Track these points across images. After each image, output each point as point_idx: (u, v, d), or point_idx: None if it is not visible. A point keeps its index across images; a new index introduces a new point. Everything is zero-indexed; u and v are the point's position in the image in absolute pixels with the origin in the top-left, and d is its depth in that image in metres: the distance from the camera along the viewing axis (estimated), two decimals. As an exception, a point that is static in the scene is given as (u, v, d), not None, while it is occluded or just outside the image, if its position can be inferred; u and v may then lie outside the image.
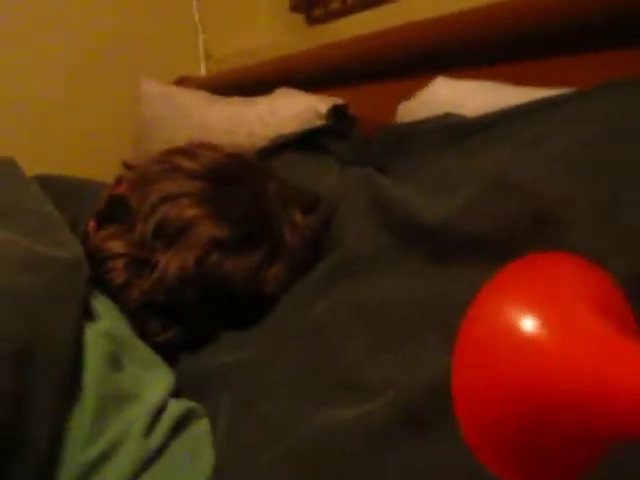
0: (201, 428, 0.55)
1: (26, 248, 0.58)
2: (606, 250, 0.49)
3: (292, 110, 1.12)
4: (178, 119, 1.37)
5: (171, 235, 0.64)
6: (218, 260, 0.64)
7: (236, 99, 1.32)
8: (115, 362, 0.55)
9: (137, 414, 0.52)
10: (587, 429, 0.20)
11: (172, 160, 0.70)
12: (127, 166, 0.76)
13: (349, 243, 0.72)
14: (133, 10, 1.68)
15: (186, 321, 0.66)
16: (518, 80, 0.86)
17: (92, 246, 0.66)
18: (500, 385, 0.21)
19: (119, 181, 0.72)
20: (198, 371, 0.62)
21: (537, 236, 0.55)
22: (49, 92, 1.58)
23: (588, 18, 0.82)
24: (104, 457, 0.49)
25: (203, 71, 1.79)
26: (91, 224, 0.71)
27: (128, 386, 0.54)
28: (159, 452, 0.51)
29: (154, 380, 0.57)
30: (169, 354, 0.63)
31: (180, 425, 0.54)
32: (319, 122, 1.07)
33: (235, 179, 0.70)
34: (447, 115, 0.84)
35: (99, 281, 0.64)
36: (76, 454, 0.49)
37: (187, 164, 0.69)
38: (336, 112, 1.07)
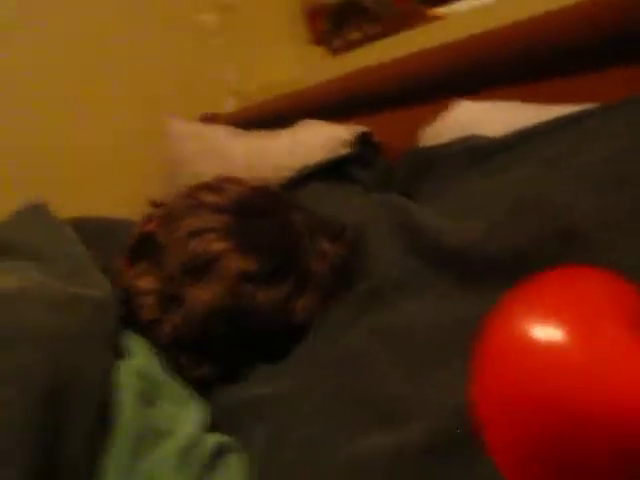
0: (235, 461, 0.55)
1: (60, 289, 0.59)
2: (636, 265, 0.48)
3: (317, 140, 1.14)
4: (205, 156, 1.39)
5: (199, 269, 0.65)
6: (247, 292, 0.65)
7: (260, 133, 1.34)
8: (148, 400, 0.55)
9: (171, 449, 0.52)
10: (618, 445, 0.20)
11: (198, 195, 0.71)
12: (155, 204, 0.77)
13: (377, 269, 0.72)
14: (157, 47, 1.71)
15: (217, 356, 0.66)
16: (532, 99, 0.86)
17: (123, 284, 0.67)
18: (529, 402, 0.21)
19: (148, 218, 0.74)
20: (230, 404, 0.63)
21: (562, 254, 0.55)
22: (73, 131, 1.61)
23: (602, 35, 0.82)
24: None
25: (228, 107, 1.82)
26: (122, 262, 0.72)
27: (162, 422, 0.55)
28: (194, 487, 0.51)
29: (187, 416, 0.57)
30: (202, 389, 0.64)
31: (214, 459, 0.54)
32: (344, 151, 1.08)
33: (260, 211, 0.70)
34: (470, 137, 0.84)
35: (131, 319, 0.65)
36: None
37: (212, 199, 0.70)
38: (361, 140, 1.08)
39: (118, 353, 0.57)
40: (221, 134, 1.44)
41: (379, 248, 0.74)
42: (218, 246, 0.66)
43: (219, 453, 0.55)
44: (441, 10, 1.38)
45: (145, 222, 0.74)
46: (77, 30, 1.61)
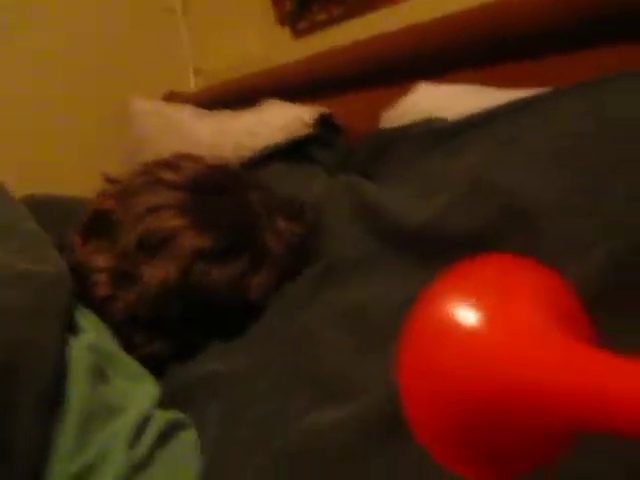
0: (188, 438, 0.55)
1: (10, 265, 0.58)
2: (585, 242, 0.49)
3: (278, 120, 1.13)
4: (167, 135, 1.38)
5: (154, 246, 0.65)
6: (202, 270, 0.65)
7: (223, 112, 1.33)
8: (100, 375, 0.55)
9: (123, 426, 0.52)
10: (532, 421, 0.20)
11: (154, 172, 0.71)
12: (110, 180, 0.76)
13: (335, 249, 0.72)
14: (120, 26, 1.69)
15: (171, 332, 0.66)
16: (498, 83, 0.87)
17: (77, 261, 0.67)
18: (442, 379, 0.21)
19: (103, 195, 0.73)
20: (184, 381, 0.63)
21: (517, 233, 0.56)
22: (36, 110, 1.58)
23: (565, 20, 0.83)
24: (90, 469, 0.49)
25: (192, 86, 1.80)
26: (76, 239, 0.71)
27: (114, 399, 0.54)
28: (145, 463, 0.51)
29: (140, 392, 0.57)
30: (156, 365, 0.63)
31: (166, 435, 0.54)
32: (305, 132, 1.08)
33: (217, 189, 0.70)
34: (430, 119, 0.85)
35: (84, 295, 0.64)
36: (62, 467, 0.49)
37: (169, 176, 0.69)
38: (322, 121, 1.08)
39: (71, 329, 0.57)
40: (183, 113, 1.42)
41: (338, 228, 0.75)
42: (173, 223, 0.65)
43: (171, 429, 0.55)
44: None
45: (99, 199, 0.73)
46: (41, 9, 1.58)
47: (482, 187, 0.61)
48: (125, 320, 0.64)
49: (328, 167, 0.96)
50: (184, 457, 0.53)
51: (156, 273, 0.63)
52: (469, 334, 0.21)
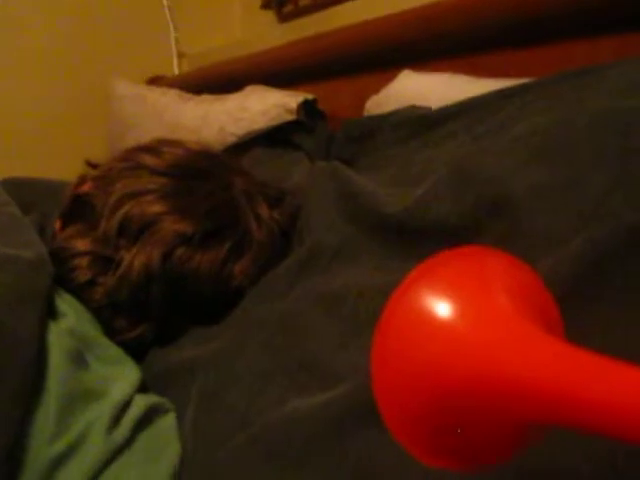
0: (167, 422, 0.56)
1: None
2: (566, 232, 0.50)
3: (262, 106, 1.13)
4: (150, 119, 1.37)
5: (135, 232, 0.64)
6: (183, 255, 0.65)
7: (207, 97, 1.32)
8: (79, 359, 0.55)
9: (102, 410, 0.52)
10: (501, 412, 0.21)
11: (135, 157, 0.70)
12: (90, 165, 0.76)
13: (316, 235, 0.72)
14: (103, 9, 1.67)
15: (153, 318, 0.66)
16: (483, 72, 0.87)
17: (57, 245, 0.66)
18: (413, 369, 0.21)
19: (82, 180, 0.72)
20: (165, 366, 0.63)
21: (497, 223, 0.56)
22: (18, 93, 1.56)
23: (549, 9, 0.83)
24: (68, 452, 0.49)
25: (176, 70, 1.79)
26: (56, 224, 0.71)
27: (93, 383, 0.54)
28: (124, 446, 0.51)
29: (120, 376, 0.57)
30: (136, 350, 0.64)
31: (145, 419, 0.54)
32: (289, 117, 1.07)
33: (199, 174, 0.70)
34: (412, 107, 0.85)
35: (64, 280, 0.64)
36: (41, 450, 0.49)
37: (150, 161, 0.69)
38: (306, 107, 1.08)
39: (51, 314, 0.56)
40: (166, 97, 1.41)
41: (320, 215, 0.75)
42: (155, 208, 0.65)
43: (151, 413, 0.55)
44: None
45: (79, 183, 0.72)
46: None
47: (463, 176, 0.61)
48: (105, 305, 0.64)
49: (311, 153, 0.96)
50: (164, 441, 0.54)
51: (137, 258, 0.63)
52: (442, 324, 0.21)
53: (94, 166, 0.75)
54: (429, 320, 0.22)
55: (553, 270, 0.44)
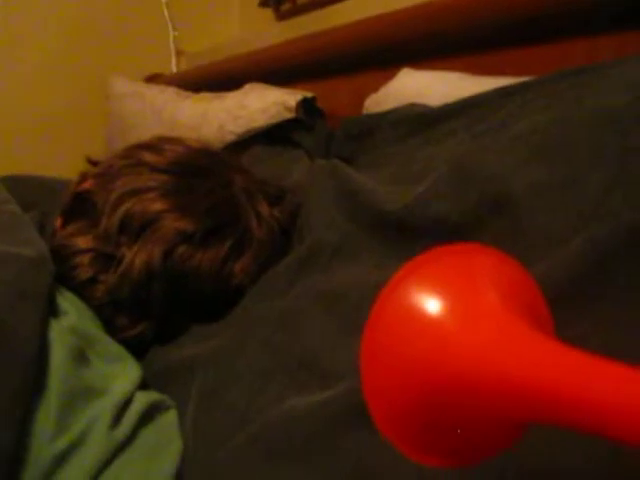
0: (169, 418, 0.56)
1: None
2: (566, 231, 0.50)
3: (261, 104, 1.13)
4: (149, 116, 1.37)
5: (136, 229, 0.64)
6: (184, 253, 0.65)
7: (206, 94, 1.32)
8: (81, 357, 0.55)
9: (104, 407, 0.52)
10: (489, 409, 0.21)
11: (136, 155, 0.70)
12: (91, 162, 0.76)
13: (316, 233, 0.72)
14: (102, 7, 1.66)
15: (154, 316, 0.66)
16: (483, 70, 0.87)
17: (58, 243, 0.66)
18: (401, 365, 0.21)
19: (83, 177, 0.72)
20: (165, 364, 0.63)
21: (498, 220, 0.56)
22: (18, 91, 1.56)
23: (547, 7, 0.83)
24: (70, 450, 0.49)
25: (174, 68, 1.79)
26: (57, 221, 0.71)
27: (95, 380, 0.55)
28: (126, 443, 0.51)
29: (121, 374, 0.57)
30: (137, 348, 0.64)
31: (147, 416, 0.54)
32: (288, 115, 1.07)
33: (200, 172, 0.70)
34: (411, 105, 0.85)
35: (65, 278, 0.64)
36: (43, 448, 0.49)
37: (151, 158, 0.69)
38: (305, 105, 1.08)
39: (52, 311, 0.56)
40: (164, 94, 1.41)
41: (320, 213, 0.75)
42: (156, 206, 0.65)
43: (152, 410, 0.55)
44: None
45: (80, 180, 0.72)
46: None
47: (464, 174, 0.61)
48: (107, 303, 0.64)
49: (310, 151, 0.96)
50: (166, 437, 0.54)
51: (138, 256, 0.63)
52: (430, 321, 0.21)
53: (94, 163, 0.75)
54: (418, 317, 0.22)
55: (554, 269, 0.44)
